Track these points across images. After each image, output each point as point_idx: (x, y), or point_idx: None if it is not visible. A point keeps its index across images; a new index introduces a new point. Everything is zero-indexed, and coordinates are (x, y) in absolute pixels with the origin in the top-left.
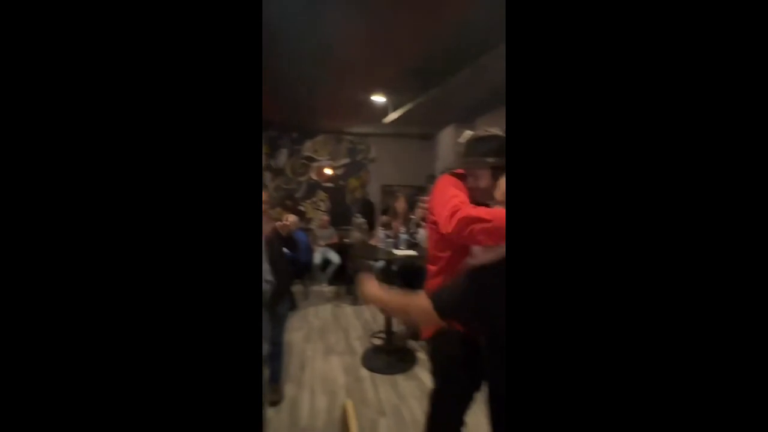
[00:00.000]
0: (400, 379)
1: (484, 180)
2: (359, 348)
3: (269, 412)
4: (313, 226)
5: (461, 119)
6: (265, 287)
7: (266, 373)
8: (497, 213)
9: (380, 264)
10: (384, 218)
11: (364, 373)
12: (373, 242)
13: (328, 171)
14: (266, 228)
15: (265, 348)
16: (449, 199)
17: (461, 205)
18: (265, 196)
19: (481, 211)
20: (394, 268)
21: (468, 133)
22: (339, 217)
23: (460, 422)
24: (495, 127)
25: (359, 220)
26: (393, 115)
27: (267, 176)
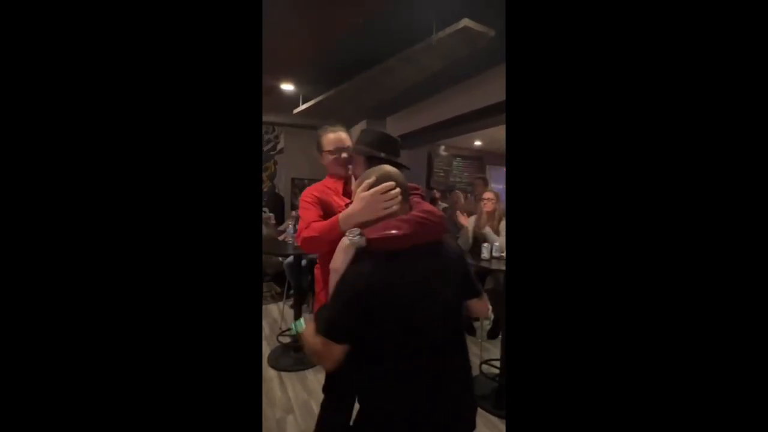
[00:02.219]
0: (309, 373)
1: (359, 166)
2: (266, 348)
3: None
4: None
5: (372, 116)
6: None
7: None
8: (318, 227)
9: (289, 260)
10: (294, 213)
11: (272, 373)
12: (281, 237)
13: None
14: None
15: None
16: (304, 216)
17: (307, 223)
18: None
19: (313, 229)
20: (304, 263)
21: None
22: None
23: (351, 406)
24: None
25: (266, 214)
26: (303, 106)
27: None
